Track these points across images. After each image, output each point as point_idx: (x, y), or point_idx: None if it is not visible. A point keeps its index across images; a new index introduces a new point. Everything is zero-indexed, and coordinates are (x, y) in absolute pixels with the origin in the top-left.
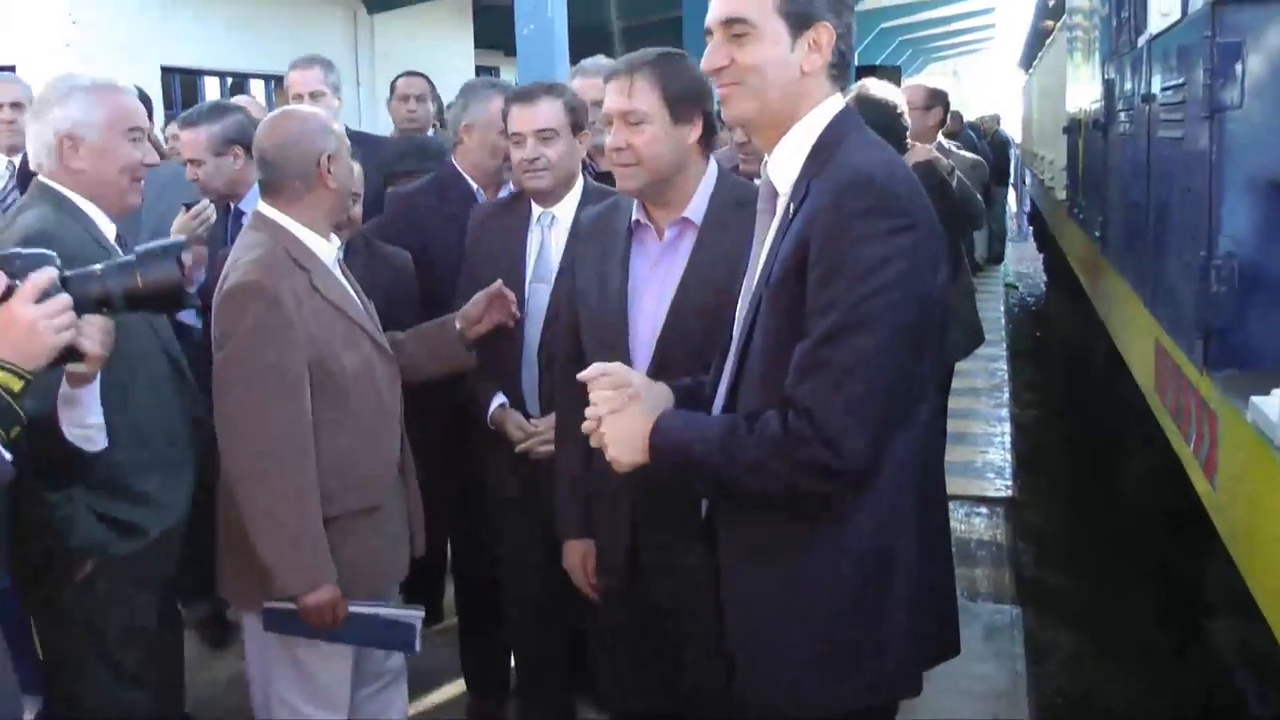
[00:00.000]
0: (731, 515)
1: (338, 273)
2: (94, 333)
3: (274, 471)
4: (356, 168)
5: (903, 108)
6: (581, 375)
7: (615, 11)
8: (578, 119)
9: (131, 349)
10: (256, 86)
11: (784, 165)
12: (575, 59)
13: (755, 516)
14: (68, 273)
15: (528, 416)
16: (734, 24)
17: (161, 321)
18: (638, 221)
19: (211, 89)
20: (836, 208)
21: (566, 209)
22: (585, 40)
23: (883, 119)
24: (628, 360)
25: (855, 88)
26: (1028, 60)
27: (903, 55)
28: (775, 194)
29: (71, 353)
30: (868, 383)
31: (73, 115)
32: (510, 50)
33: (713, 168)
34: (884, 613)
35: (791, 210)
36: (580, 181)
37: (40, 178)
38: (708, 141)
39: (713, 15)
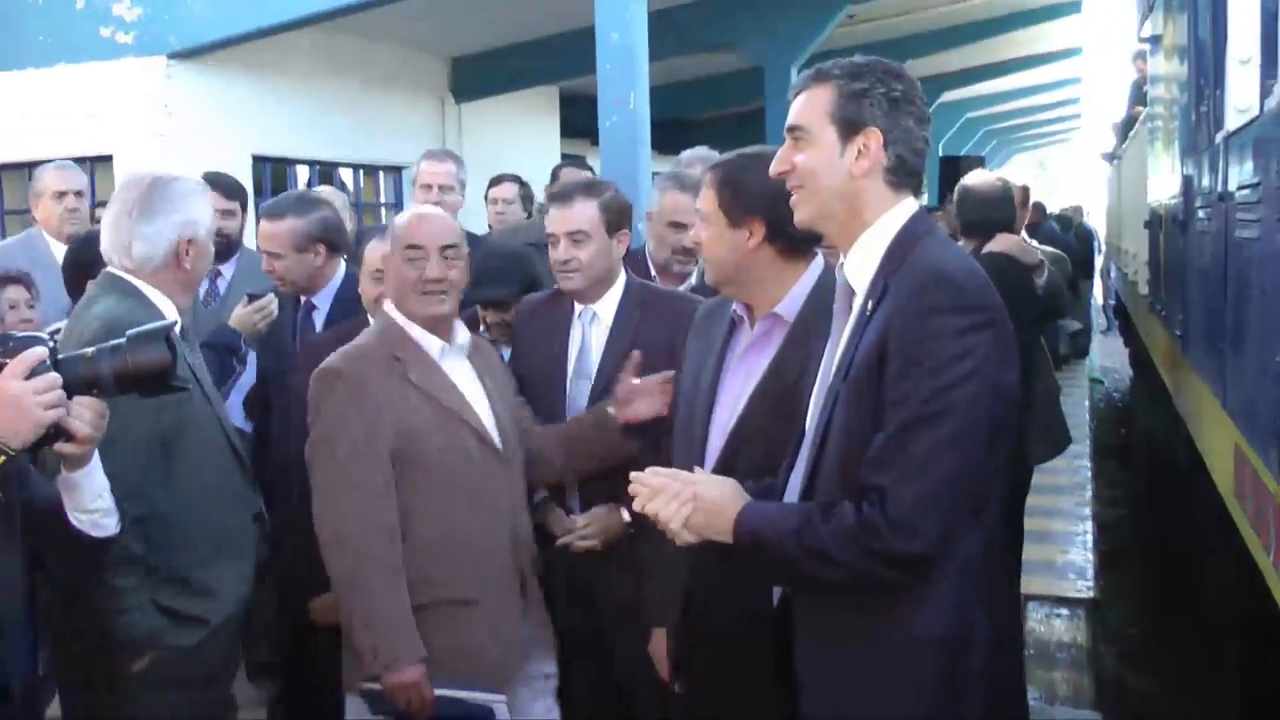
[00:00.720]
0: (808, 603)
1: (447, 366)
2: (84, 414)
3: (357, 545)
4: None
5: (1011, 192)
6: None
7: (699, 103)
8: (614, 219)
9: (200, 442)
10: (346, 175)
11: (860, 266)
12: (658, 149)
13: (831, 604)
14: (61, 354)
15: (568, 511)
16: (795, 130)
17: (225, 417)
18: (737, 312)
19: (302, 177)
20: (914, 304)
21: (608, 306)
22: (669, 131)
23: (986, 208)
24: (702, 446)
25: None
26: (1112, 152)
27: (988, 145)
28: (852, 293)
29: (59, 432)
30: (940, 475)
31: (197, 218)
32: (597, 139)
33: (815, 266)
34: (957, 702)
35: (870, 307)
36: (622, 279)
37: (110, 270)
38: (789, 245)
39: (787, 123)
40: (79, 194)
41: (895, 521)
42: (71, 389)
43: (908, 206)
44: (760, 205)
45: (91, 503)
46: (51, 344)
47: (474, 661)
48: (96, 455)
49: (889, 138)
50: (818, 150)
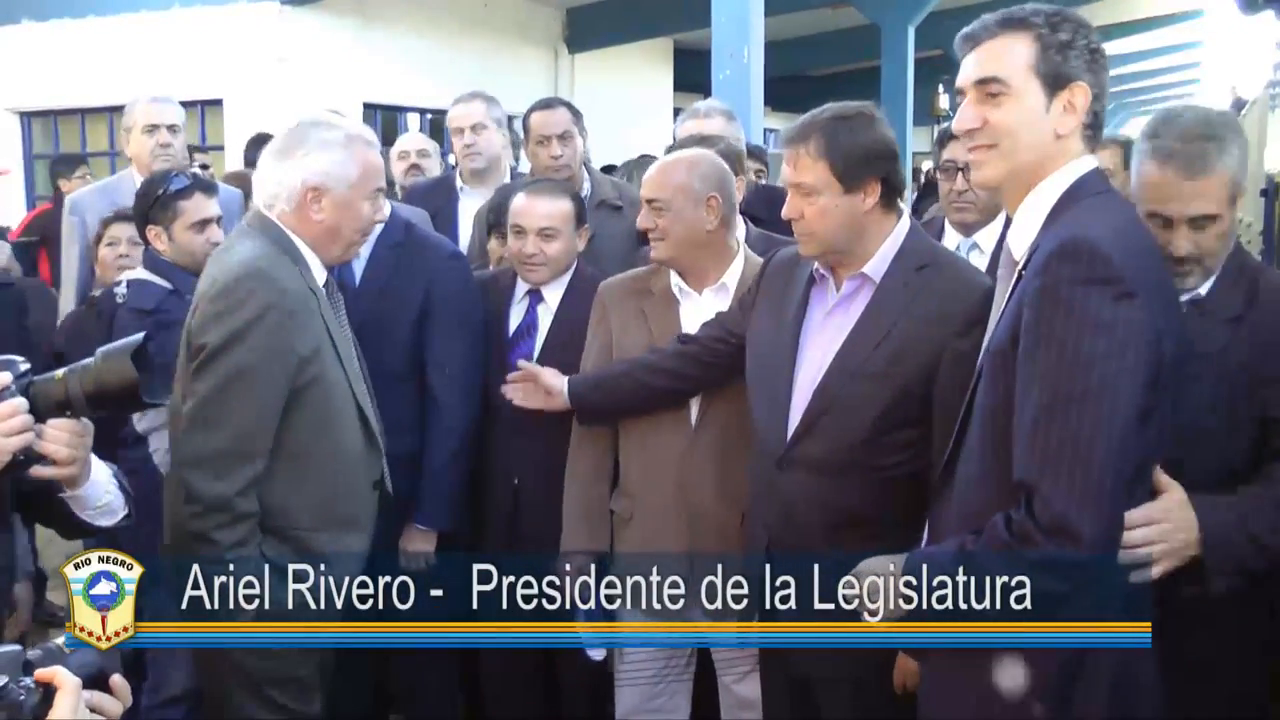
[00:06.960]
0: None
1: (659, 313)
2: (60, 435)
3: None
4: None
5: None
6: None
7: (813, 59)
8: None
9: (324, 405)
10: None
11: (1022, 229)
12: (771, 104)
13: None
14: (33, 377)
15: None
16: (989, 84)
17: (357, 383)
18: (819, 270)
19: (413, 125)
20: (1046, 275)
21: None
22: (781, 86)
23: None
24: (785, 406)
25: None
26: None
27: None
28: (1013, 260)
29: (32, 457)
30: (1093, 465)
31: (325, 168)
32: (709, 93)
33: (902, 225)
34: (1074, 702)
35: (1020, 276)
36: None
37: (261, 210)
38: (890, 201)
39: (965, 75)
40: (172, 128)
41: (1049, 526)
42: (43, 413)
43: (1081, 165)
44: (878, 164)
45: (97, 502)
46: (21, 369)
47: None
48: (93, 460)
49: (1093, 92)
50: (1018, 105)
